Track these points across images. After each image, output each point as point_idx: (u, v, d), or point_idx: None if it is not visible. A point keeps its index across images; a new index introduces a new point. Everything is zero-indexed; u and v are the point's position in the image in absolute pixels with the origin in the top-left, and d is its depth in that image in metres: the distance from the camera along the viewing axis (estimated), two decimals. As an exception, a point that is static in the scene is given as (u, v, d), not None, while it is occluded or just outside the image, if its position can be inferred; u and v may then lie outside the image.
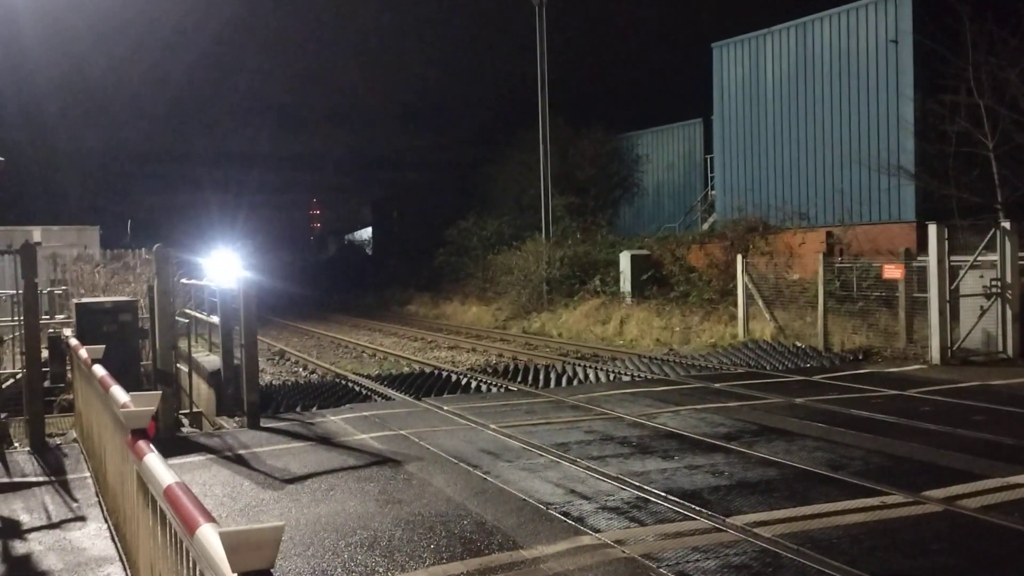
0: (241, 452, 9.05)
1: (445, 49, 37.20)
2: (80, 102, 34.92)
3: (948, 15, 19.42)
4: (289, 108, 40.76)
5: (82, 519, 6.95)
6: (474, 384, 14.18)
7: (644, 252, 25.77)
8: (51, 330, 12.25)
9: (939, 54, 19.75)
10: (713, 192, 29.75)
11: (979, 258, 14.51)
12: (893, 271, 16.17)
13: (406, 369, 17.77)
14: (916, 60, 21.76)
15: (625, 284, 24.98)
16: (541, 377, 14.89)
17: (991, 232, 14.56)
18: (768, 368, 14.61)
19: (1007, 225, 14.57)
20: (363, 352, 22.39)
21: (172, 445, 9.08)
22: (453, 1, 34.89)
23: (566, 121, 33.33)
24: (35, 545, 6.37)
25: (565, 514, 6.65)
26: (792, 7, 25.39)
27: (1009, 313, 14.38)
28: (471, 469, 8.11)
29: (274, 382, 16.26)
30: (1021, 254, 14.84)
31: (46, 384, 10.82)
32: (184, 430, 10.83)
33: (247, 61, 37.25)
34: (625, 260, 25.30)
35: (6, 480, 8.22)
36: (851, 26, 23.70)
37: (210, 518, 2.77)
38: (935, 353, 14.16)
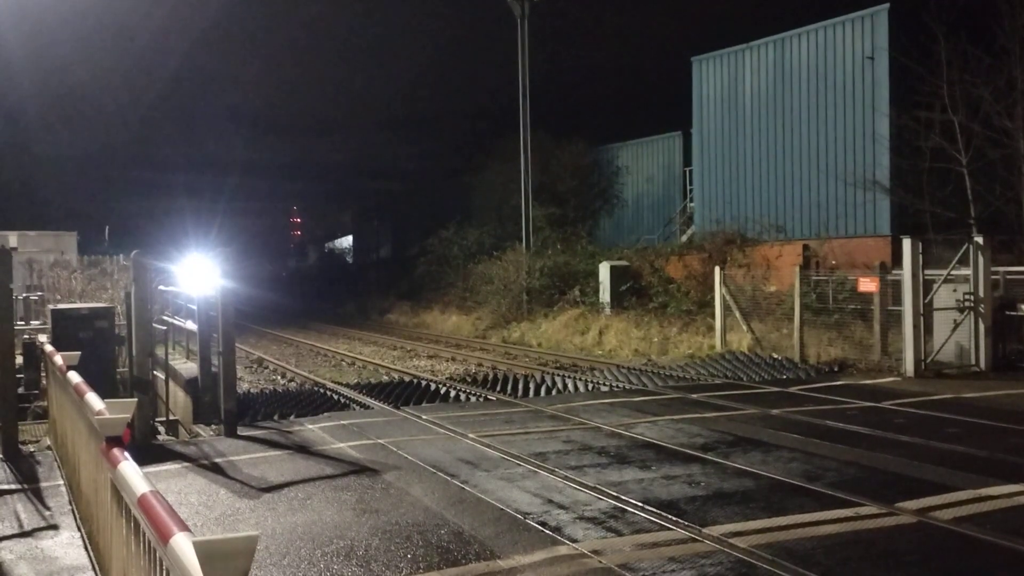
0: (217, 460, 8.99)
1: (428, 60, 37.39)
2: (61, 107, 34.73)
3: (923, 33, 19.74)
4: (271, 117, 40.77)
5: (55, 527, 6.87)
6: (453, 393, 14.16)
7: (623, 263, 25.89)
8: (26, 336, 12.11)
9: (914, 71, 20.06)
10: (692, 204, 29.98)
11: (952, 272, 14.70)
12: (868, 284, 16.36)
13: (385, 378, 17.73)
14: (892, 77, 22.09)
15: (604, 295, 25.07)
16: (520, 387, 14.90)
17: (964, 247, 14.77)
18: (745, 379, 14.71)
19: (980, 240, 14.77)
20: (342, 360, 22.30)
21: (148, 453, 9.00)
22: (436, 13, 35.05)
23: (547, 133, 33.49)
24: (6, 554, 6.29)
25: (543, 524, 6.67)
26: (771, 23, 25.73)
27: (982, 327, 14.57)
28: (449, 479, 8.10)
29: (252, 390, 16.14)
30: (993, 268, 15.07)
31: (20, 391, 10.69)
32: (160, 438, 10.74)
33: (229, 70, 37.16)
34: (604, 271, 25.40)
35: (-23, 488, 8.11)
36: (828, 42, 24.01)
37: (184, 527, 2.76)
38: (909, 366, 14.31)
